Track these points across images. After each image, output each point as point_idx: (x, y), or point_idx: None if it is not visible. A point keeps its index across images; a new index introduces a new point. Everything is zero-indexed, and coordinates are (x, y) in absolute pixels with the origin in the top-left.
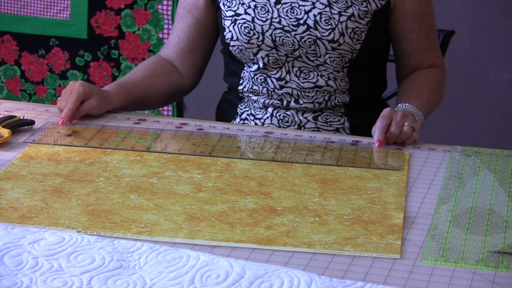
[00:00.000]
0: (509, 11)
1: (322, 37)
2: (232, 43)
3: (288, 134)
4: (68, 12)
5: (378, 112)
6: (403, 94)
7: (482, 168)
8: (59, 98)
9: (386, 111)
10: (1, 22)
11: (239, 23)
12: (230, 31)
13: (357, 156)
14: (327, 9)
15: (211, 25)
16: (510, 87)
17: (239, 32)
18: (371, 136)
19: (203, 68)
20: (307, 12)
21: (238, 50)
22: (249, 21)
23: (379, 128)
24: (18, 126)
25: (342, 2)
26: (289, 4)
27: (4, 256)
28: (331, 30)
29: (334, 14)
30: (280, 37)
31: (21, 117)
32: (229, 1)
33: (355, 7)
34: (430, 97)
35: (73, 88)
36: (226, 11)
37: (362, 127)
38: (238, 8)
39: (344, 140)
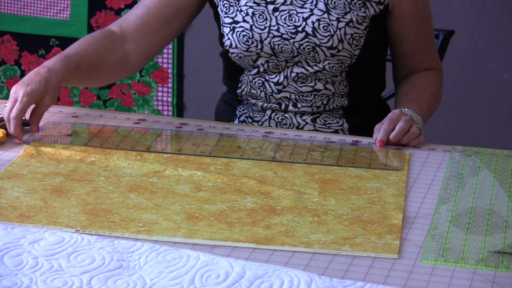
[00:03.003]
0: (509, 11)
1: (321, 44)
2: (231, 50)
3: (288, 134)
4: (68, 12)
5: (377, 113)
6: (403, 97)
7: (482, 168)
8: (5, 105)
9: (395, 113)
10: (1, 22)
11: (238, 31)
12: (229, 38)
13: (357, 156)
14: (325, 15)
15: (186, 16)
16: (510, 87)
17: (238, 41)
18: (371, 136)
19: (154, 53)
20: (305, 19)
21: (238, 57)
22: (247, 29)
23: (384, 130)
24: None
25: (340, 8)
26: (287, 11)
27: (4, 256)
28: (329, 36)
29: (333, 20)
30: (279, 45)
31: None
32: (226, 7)
33: (353, 13)
34: (430, 103)
35: (17, 99)
36: (224, 17)
37: (361, 128)
38: (236, 15)
39: (344, 140)
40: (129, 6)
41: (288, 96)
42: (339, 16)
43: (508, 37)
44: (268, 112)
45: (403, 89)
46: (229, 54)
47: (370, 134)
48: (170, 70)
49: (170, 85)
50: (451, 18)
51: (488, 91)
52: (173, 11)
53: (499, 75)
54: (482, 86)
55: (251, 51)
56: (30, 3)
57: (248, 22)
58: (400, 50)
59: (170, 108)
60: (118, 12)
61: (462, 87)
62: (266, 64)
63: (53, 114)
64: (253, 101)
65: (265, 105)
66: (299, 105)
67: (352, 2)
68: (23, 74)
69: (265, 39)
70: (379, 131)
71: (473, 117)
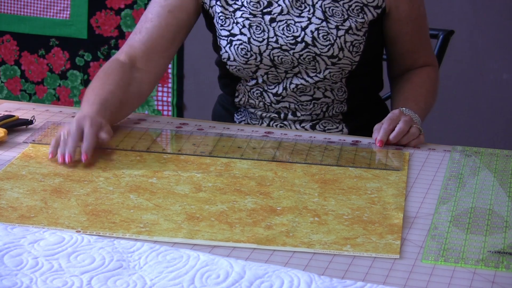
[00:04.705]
0: (508, 12)
1: (322, 53)
2: (229, 63)
3: (288, 134)
4: (68, 12)
5: (376, 114)
6: (400, 95)
7: (482, 168)
8: (64, 126)
9: (394, 113)
10: (1, 22)
11: (235, 44)
12: (226, 51)
13: (357, 156)
14: (324, 24)
15: (186, 31)
16: (510, 87)
17: (236, 54)
18: (370, 137)
19: (162, 74)
20: (303, 29)
21: (236, 69)
22: (245, 42)
23: (384, 130)
24: (16, 125)
25: (339, 15)
26: (284, 21)
27: (4, 256)
28: (330, 45)
29: (332, 28)
30: (278, 56)
31: (31, 119)
32: (222, 20)
33: (351, 19)
34: (427, 100)
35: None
36: (221, 30)
37: (360, 130)
38: (232, 27)
39: (344, 140)
40: (129, 6)
41: (288, 105)
42: (338, 24)
43: (508, 37)
44: (267, 120)
45: (399, 87)
46: (227, 67)
47: (369, 135)
48: (170, 70)
49: (170, 85)
50: (451, 18)
51: (488, 91)
52: (175, 30)
53: (499, 75)
54: (482, 86)
55: (250, 64)
56: (30, 3)
57: (245, 35)
58: (397, 49)
59: (170, 108)
60: (118, 12)
61: (462, 87)
62: (265, 75)
63: (53, 114)
64: (252, 109)
65: (264, 114)
66: (298, 113)
67: (350, 8)
68: (23, 74)
69: (264, 51)
70: (379, 131)
71: (473, 117)
